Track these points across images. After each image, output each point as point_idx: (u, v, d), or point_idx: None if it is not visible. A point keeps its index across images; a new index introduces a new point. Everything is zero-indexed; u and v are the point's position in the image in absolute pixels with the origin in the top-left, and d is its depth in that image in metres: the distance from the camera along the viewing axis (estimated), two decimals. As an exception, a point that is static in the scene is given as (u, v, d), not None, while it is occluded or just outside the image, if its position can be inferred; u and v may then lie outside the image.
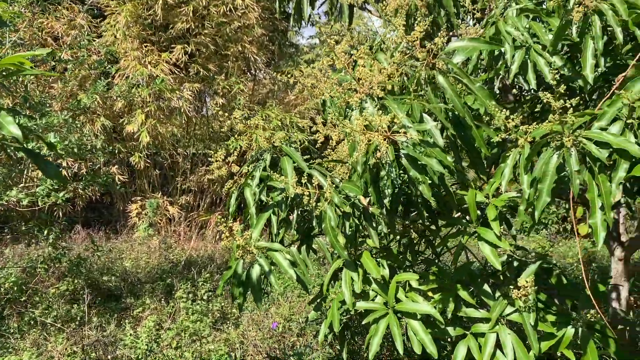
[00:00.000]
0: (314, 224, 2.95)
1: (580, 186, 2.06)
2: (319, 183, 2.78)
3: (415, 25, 2.65)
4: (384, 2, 3.35)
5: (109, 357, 4.63)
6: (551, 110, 2.08)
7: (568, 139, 2.05)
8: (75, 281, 6.10)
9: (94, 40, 8.37)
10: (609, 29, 2.44)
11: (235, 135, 3.25)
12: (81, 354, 4.57)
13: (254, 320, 5.48)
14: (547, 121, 2.11)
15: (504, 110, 2.36)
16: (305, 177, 2.82)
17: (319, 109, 3.09)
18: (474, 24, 3.31)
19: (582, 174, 2.08)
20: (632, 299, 5.53)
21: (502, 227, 3.05)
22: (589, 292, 2.79)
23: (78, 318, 5.41)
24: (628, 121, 2.06)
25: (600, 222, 2.04)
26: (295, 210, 3.01)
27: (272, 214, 2.95)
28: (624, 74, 2.21)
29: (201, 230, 10.14)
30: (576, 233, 2.60)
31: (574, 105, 2.06)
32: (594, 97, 2.97)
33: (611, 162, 2.08)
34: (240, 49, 9.83)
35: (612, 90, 2.20)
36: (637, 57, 2.23)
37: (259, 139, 3.04)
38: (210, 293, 6.20)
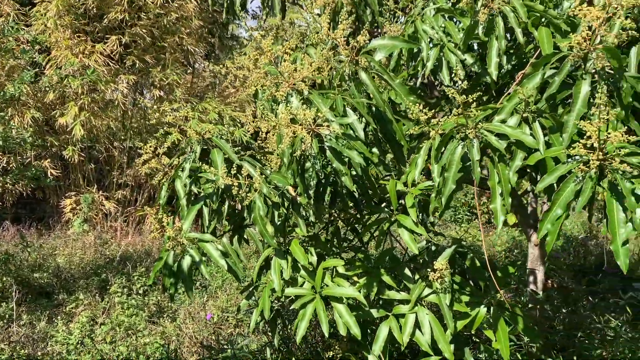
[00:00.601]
0: (245, 214, 3.03)
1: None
2: (248, 174, 2.87)
3: (340, 23, 2.78)
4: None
5: (40, 353, 4.54)
6: (463, 105, 2.26)
7: (471, 131, 2.24)
8: (4, 279, 5.91)
9: (22, 29, 8.06)
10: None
11: (165, 128, 3.28)
12: (9, 351, 4.46)
13: (190, 313, 5.50)
14: (453, 115, 2.29)
15: (419, 104, 2.52)
16: (235, 169, 2.90)
17: (253, 100, 3.17)
18: (396, 21, 3.48)
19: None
20: (549, 281, 5.95)
21: (422, 214, 3.26)
22: (500, 275, 3.03)
23: (6, 316, 5.25)
24: (524, 115, 2.27)
25: (499, 206, 2.24)
26: (227, 201, 3.08)
27: (203, 205, 3.01)
28: (523, 72, 2.42)
29: (138, 225, 9.98)
30: (479, 218, 2.81)
31: (484, 99, 2.25)
32: (504, 91, 3.20)
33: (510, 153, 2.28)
34: (177, 40, 9.71)
35: (514, 84, 2.40)
36: (535, 56, 2.45)
37: (188, 131, 3.09)
38: (146, 287, 6.15)
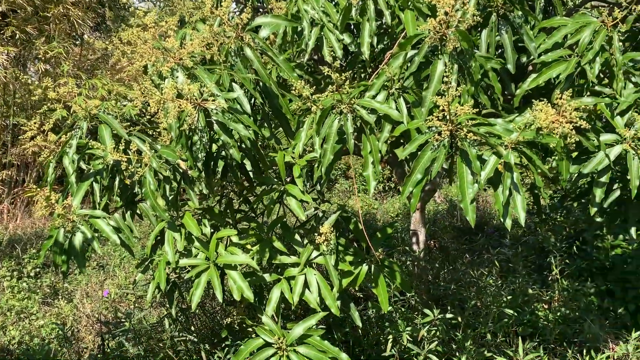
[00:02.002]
0: (137, 189, 3.07)
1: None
2: (138, 149, 2.91)
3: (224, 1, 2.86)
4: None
5: None
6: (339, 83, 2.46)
7: (345, 106, 2.46)
8: None
9: None
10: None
11: (49, 104, 3.21)
12: None
13: (87, 293, 5.42)
14: (329, 91, 2.49)
15: (303, 80, 2.70)
16: (124, 144, 2.92)
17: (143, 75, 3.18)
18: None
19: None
20: (431, 242, 6.50)
21: (316, 183, 3.48)
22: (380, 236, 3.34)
23: None
24: (391, 91, 2.52)
25: (371, 173, 2.50)
26: (117, 177, 3.10)
27: (93, 182, 3.01)
28: (391, 51, 2.67)
29: (27, 207, 9.44)
30: (354, 185, 3.08)
31: (362, 76, 2.46)
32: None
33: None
34: (62, 10, 9.15)
35: (382, 64, 2.65)
36: (401, 36, 2.70)
37: (74, 107, 3.05)
38: (38, 269, 5.94)
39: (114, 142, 2.93)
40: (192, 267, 3.18)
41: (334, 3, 3.07)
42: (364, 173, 2.51)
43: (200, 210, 3.38)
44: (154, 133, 3.29)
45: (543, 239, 5.56)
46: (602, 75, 2.85)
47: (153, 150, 2.92)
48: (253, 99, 2.96)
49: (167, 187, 2.98)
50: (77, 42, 10.88)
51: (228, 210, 3.46)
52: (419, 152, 2.35)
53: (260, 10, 4.20)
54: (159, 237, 3.34)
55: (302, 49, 3.27)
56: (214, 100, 2.62)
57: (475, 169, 2.24)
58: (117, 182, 3.07)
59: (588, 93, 2.67)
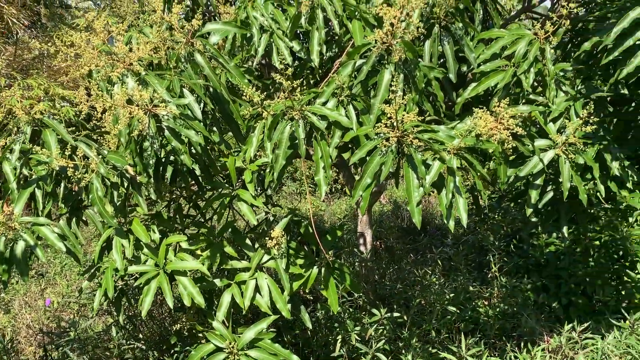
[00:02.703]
0: (83, 195, 3.01)
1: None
2: (85, 154, 2.86)
3: (173, 6, 2.86)
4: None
5: None
6: (290, 90, 2.52)
7: (296, 113, 2.52)
8: None
9: None
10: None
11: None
12: None
13: (27, 302, 5.21)
14: (281, 98, 2.54)
15: (254, 86, 2.74)
16: (70, 150, 2.86)
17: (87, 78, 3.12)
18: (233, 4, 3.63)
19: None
20: (378, 243, 6.66)
21: (267, 188, 3.51)
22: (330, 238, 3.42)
23: None
24: (341, 98, 2.60)
25: (322, 178, 2.57)
26: (62, 183, 3.03)
27: (36, 188, 2.93)
28: (340, 60, 2.75)
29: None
30: (306, 189, 3.14)
31: (312, 82, 2.52)
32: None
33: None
34: (-6, 8, 8.73)
35: (331, 72, 2.73)
36: (350, 45, 2.79)
37: (16, 111, 2.96)
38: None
39: (60, 147, 2.87)
40: (141, 274, 3.15)
41: (282, 10, 3.12)
42: (316, 178, 2.58)
43: (148, 216, 3.35)
44: (100, 138, 3.23)
45: (482, 238, 5.82)
46: (536, 84, 3.05)
47: (100, 156, 2.88)
48: (203, 104, 2.97)
49: (115, 193, 2.94)
50: (11, 41, 10.40)
51: (177, 216, 3.44)
52: (368, 158, 2.44)
53: (208, 15, 4.19)
54: (105, 244, 3.28)
55: (252, 54, 3.31)
56: (165, 107, 2.61)
57: (420, 173, 2.36)
58: (61, 188, 3.00)
59: (524, 101, 2.85)
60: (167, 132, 2.69)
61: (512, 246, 5.77)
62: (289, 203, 10.45)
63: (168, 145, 2.84)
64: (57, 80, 9.35)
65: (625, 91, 3.05)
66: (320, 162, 2.57)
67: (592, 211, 5.25)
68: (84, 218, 3.33)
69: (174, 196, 3.54)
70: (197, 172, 3.24)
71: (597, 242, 5.27)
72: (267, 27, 3.05)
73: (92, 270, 3.52)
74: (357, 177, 3.82)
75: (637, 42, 2.65)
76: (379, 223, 7.28)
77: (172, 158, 3.11)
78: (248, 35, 3.19)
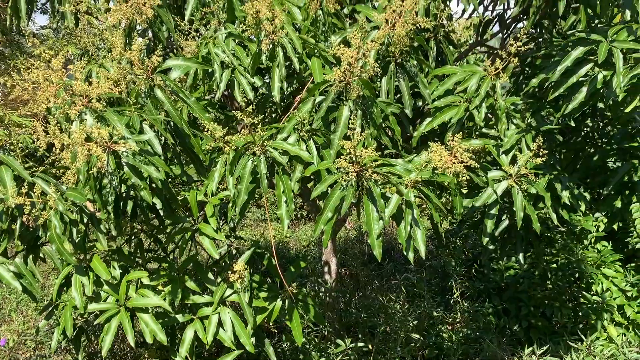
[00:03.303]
0: (40, 232, 2.96)
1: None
2: (43, 191, 2.82)
3: (134, 42, 2.88)
4: (108, 13, 3.46)
5: None
6: (251, 125, 2.55)
7: (258, 148, 2.55)
8: None
9: None
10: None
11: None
12: None
13: (-21, 342, 4.99)
14: (242, 133, 2.58)
15: (216, 121, 2.77)
16: (27, 186, 2.82)
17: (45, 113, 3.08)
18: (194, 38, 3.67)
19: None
20: (343, 270, 6.68)
21: (222, 220, 3.51)
22: (296, 269, 3.43)
23: None
24: (302, 133, 2.66)
25: (284, 212, 2.60)
26: (19, 220, 2.97)
27: (-10, 226, 2.86)
28: (300, 96, 2.81)
29: None
30: (269, 223, 3.17)
31: (273, 116, 2.56)
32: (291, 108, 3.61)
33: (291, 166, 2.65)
34: (-52, 36, 8.52)
35: (292, 108, 2.79)
36: (310, 80, 2.85)
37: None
38: None
39: (16, 183, 2.82)
40: (101, 312, 3.09)
41: (244, 47, 3.17)
42: (278, 212, 2.60)
43: (109, 252, 3.30)
44: (59, 172, 3.19)
45: (445, 263, 5.92)
46: (490, 116, 3.18)
47: (59, 192, 2.84)
48: (164, 138, 2.97)
49: (74, 230, 2.89)
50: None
51: (138, 251, 3.40)
52: (329, 191, 2.49)
53: (170, 47, 4.21)
54: (64, 281, 3.21)
55: (214, 88, 3.34)
56: (124, 143, 2.61)
57: (380, 206, 2.41)
58: (17, 225, 2.94)
59: (476, 134, 2.96)
60: (126, 169, 2.68)
61: (473, 270, 5.89)
62: (253, 230, 10.40)
63: (128, 180, 2.83)
64: (15, 108, 9.14)
65: (572, 123, 3.20)
66: (282, 196, 2.60)
67: (548, 234, 5.44)
68: (41, 255, 3.25)
69: (135, 231, 3.50)
70: (159, 205, 3.23)
71: (554, 265, 5.44)
72: (229, 63, 3.09)
73: (50, 308, 3.43)
74: (320, 204, 3.86)
75: (580, 79, 2.81)
76: (344, 249, 7.32)
77: (132, 193, 3.09)
78: (210, 70, 3.23)
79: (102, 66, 3.54)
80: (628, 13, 2.95)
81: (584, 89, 2.81)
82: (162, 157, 2.88)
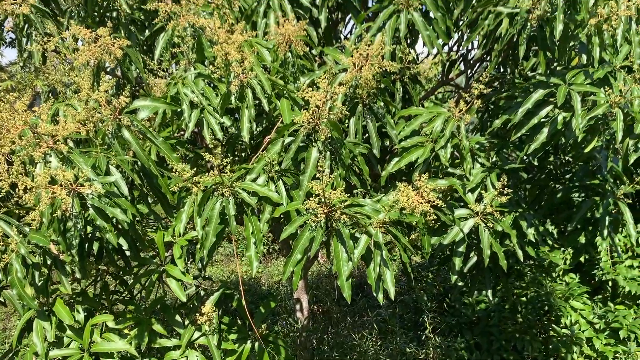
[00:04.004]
0: (1, 276, 2.86)
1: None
2: (4, 233, 2.74)
3: (102, 82, 2.87)
4: (76, 53, 3.45)
5: None
6: (219, 167, 2.55)
7: (226, 189, 2.54)
8: None
9: None
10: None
11: None
12: None
13: None
14: (211, 175, 2.57)
15: (185, 158, 2.75)
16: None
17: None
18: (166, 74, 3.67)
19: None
20: (315, 306, 6.63)
21: (190, 260, 3.46)
22: (262, 309, 3.38)
23: None
24: (271, 174, 2.66)
25: (253, 254, 2.58)
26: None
27: (-54, 270, 2.76)
28: (269, 136, 2.83)
29: None
30: (237, 267, 3.13)
31: (243, 155, 2.56)
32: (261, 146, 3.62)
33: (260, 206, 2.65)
34: None
35: (261, 149, 2.80)
36: (280, 120, 2.87)
37: None
38: None
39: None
40: (64, 358, 2.98)
41: (213, 87, 3.18)
42: (247, 254, 2.58)
43: (73, 294, 3.20)
44: (21, 212, 3.11)
45: (417, 298, 5.93)
46: (456, 154, 3.24)
47: (21, 235, 2.76)
48: (132, 179, 2.94)
49: (37, 273, 2.81)
50: None
51: (104, 294, 3.31)
52: (298, 232, 2.49)
53: (139, 85, 4.21)
54: (26, 325, 3.10)
55: (183, 128, 3.33)
56: (90, 185, 2.57)
57: (349, 248, 2.42)
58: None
59: (443, 174, 3.01)
60: (92, 211, 2.63)
61: (445, 305, 5.90)
62: (224, 266, 10.25)
63: (93, 222, 2.78)
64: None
65: (536, 162, 3.29)
66: (251, 237, 2.59)
67: (517, 268, 5.51)
68: (1, 299, 3.14)
69: (100, 272, 3.42)
70: (125, 246, 3.16)
71: (524, 299, 5.50)
72: (198, 103, 3.10)
73: (11, 355, 3.29)
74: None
75: (542, 120, 2.90)
76: (316, 285, 7.27)
77: (98, 234, 3.03)
78: (179, 110, 3.23)
79: (70, 105, 3.51)
80: (585, 56, 3.08)
81: (545, 130, 2.90)
82: (130, 198, 2.84)
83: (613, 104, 2.72)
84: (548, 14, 2.78)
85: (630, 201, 3.49)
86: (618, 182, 3.61)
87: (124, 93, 2.82)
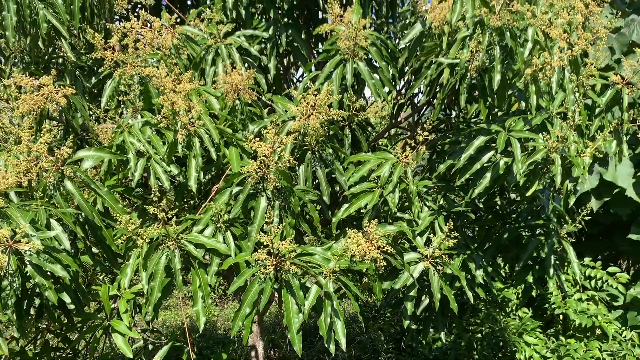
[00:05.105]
0: None
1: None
2: None
3: (44, 131, 2.79)
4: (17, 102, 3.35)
5: None
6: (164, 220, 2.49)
7: (172, 242, 2.49)
8: None
9: None
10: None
11: None
12: None
13: None
14: (155, 227, 2.51)
15: (131, 212, 2.68)
16: None
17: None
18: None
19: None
20: (272, 352, 6.48)
21: (137, 313, 3.34)
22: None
23: None
24: (218, 225, 2.62)
25: (201, 309, 2.51)
26: None
27: None
28: (217, 185, 2.80)
29: None
30: (181, 305, 3.05)
31: (191, 203, 2.50)
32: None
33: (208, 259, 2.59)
34: None
35: (209, 198, 2.76)
36: (228, 168, 2.85)
37: None
38: None
39: None
40: None
41: (160, 135, 3.14)
42: (194, 309, 2.51)
43: (11, 355, 3.02)
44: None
45: (374, 338, 5.89)
46: (404, 197, 3.28)
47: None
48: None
49: (-32, 335, 2.65)
50: None
51: (44, 352, 3.14)
52: (247, 285, 2.44)
53: (85, 132, 4.12)
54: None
55: (129, 177, 3.26)
56: (28, 241, 2.46)
57: (299, 299, 2.39)
58: None
59: (392, 218, 3.04)
60: (29, 268, 2.52)
61: (402, 344, 5.88)
62: (179, 308, 9.94)
63: (32, 279, 2.65)
64: None
65: (481, 205, 3.37)
66: (198, 292, 2.52)
67: (472, 304, 5.57)
68: None
69: (41, 330, 3.25)
70: (68, 300, 3.03)
71: (479, 335, 5.54)
72: (145, 151, 3.04)
73: None
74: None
75: (484, 165, 2.99)
76: (273, 328, 7.13)
77: (37, 291, 2.89)
78: (125, 158, 3.16)
79: (12, 155, 3.39)
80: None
81: (488, 175, 2.99)
82: (72, 252, 2.74)
83: (551, 150, 2.84)
84: (486, 64, 2.90)
85: (573, 240, 3.62)
86: (562, 220, 3.73)
87: (67, 143, 2.75)
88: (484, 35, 2.79)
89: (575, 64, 3.01)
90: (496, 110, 3.37)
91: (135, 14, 4.39)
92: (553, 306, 5.67)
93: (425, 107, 4.35)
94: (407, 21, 3.64)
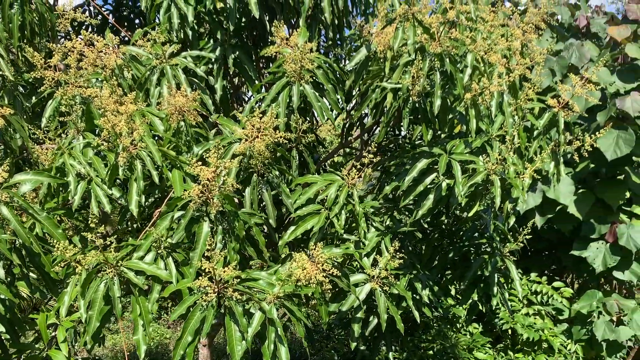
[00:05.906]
0: None
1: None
2: None
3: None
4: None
5: None
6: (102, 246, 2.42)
7: (110, 270, 2.42)
8: None
9: None
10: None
11: None
12: None
13: None
14: (93, 254, 2.43)
15: (66, 241, 2.59)
16: None
17: None
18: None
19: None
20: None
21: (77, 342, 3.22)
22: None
23: None
24: (160, 251, 2.57)
25: (141, 337, 2.44)
26: None
27: None
28: (159, 210, 2.75)
29: None
30: (121, 332, 2.96)
31: (134, 226, 2.44)
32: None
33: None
34: None
35: (150, 223, 2.70)
36: (172, 192, 2.80)
37: None
38: None
39: None
40: None
41: (102, 157, 3.06)
42: (134, 337, 2.44)
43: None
44: None
45: (327, 359, 5.86)
46: (352, 218, 3.31)
47: None
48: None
49: None
50: None
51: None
52: (189, 313, 2.39)
53: (27, 153, 3.98)
54: None
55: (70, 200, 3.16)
56: (-44, 271, 2.35)
57: (242, 326, 2.36)
58: None
59: (338, 241, 3.05)
60: (-42, 299, 2.40)
61: (356, 362, 5.88)
62: (130, 331, 9.64)
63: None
64: None
65: (426, 225, 3.43)
66: (138, 320, 2.46)
67: (424, 320, 5.63)
68: None
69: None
70: (2, 329, 2.89)
71: (431, 352, 5.60)
72: (85, 174, 2.96)
73: None
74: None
75: (428, 187, 3.05)
76: (224, 353, 6.99)
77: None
78: (65, 182, 3.07)
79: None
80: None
81: (431, 196, 3.04)
82: (8, 280, 2.63)
83: (491, 172, 2.92)
84: (428, 89, 2.98)
85: (516, 258, 3.71)
86: (506, 239, 3.84)
87: (2, 167, 2.65)
88: (425, 61, 2.86)
89: (514, 88, 3.12)
90: (439, 132, 3.45)
91: (80, 33, 4.30)
92: (501, 321, 5.80)
93: (375, 127, 4.42)
94: (354, 45, 3.71)
